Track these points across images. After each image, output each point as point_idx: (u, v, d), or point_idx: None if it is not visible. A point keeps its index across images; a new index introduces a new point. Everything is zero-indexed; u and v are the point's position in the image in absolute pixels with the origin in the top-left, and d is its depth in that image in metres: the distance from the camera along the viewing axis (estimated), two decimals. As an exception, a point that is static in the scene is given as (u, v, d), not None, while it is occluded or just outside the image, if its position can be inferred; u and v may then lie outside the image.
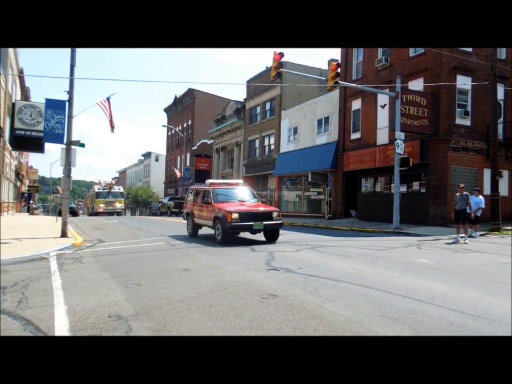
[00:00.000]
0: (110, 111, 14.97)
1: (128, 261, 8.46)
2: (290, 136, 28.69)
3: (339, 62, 22.19)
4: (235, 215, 10.86)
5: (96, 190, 43.69)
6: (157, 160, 66.75)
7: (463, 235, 11.92)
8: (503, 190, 17.52)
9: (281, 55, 13.78)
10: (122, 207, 43.76)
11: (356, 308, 4.69)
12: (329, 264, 7.79)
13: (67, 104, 13.79)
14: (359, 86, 18.99)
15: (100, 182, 47.11)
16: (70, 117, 13.76)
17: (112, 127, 15.45)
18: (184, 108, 50.47)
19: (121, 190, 45.27)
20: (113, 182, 50.31)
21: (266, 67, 30.92)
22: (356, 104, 22.44)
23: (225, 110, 41.37)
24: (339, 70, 15.50)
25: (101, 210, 41.03)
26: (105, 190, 42.78)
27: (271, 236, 11.87)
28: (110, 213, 40.78)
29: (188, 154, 46.97)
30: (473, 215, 12.39)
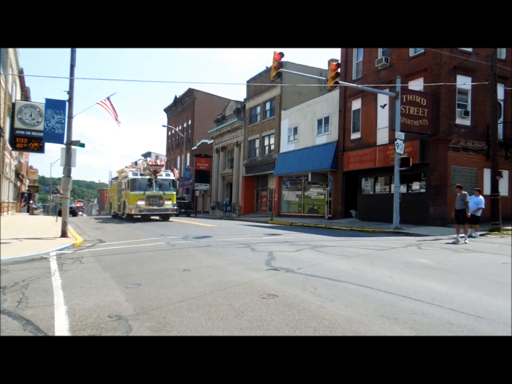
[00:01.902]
0: (113, 107, 15.12)
1: (128, 261, 8.46)
2: (290, 136, 28.70)
3: (339, 62, 22.20)
4: None
5: (131, 175, 23.94)
6: (157, 160, 66.64)
7: (463, 235, 11.92)
8: (503, 190, 17.53)
9: (281, 55, 13.79)
10: (175, 207, 24.66)
11: (356, 308, 4.69)
12: (329, 264, 7.79)
13: (67, 104, 13.82)
14: (359, 86, 19.00)
15: (136, 163, 26.35)
16: (70, 117, 13.78)
17: (118, 121, 15.70)
18: (184, 107, 50.50)
19: (172, 176, 25.44)
20: (160, 162, 25.37)
21: (266, 67, 30.93)
22: (356, 104, 22.45)
23: (225, 110, 41.39)
24: (339, 70, 15.51)
25: (139, 210, 23.24)
26: (147, 176, 23.92)
27: None
28: (152, 216, 24.42)
29: (188, 154, 47.01)
30: (469, 214, 12.25)
